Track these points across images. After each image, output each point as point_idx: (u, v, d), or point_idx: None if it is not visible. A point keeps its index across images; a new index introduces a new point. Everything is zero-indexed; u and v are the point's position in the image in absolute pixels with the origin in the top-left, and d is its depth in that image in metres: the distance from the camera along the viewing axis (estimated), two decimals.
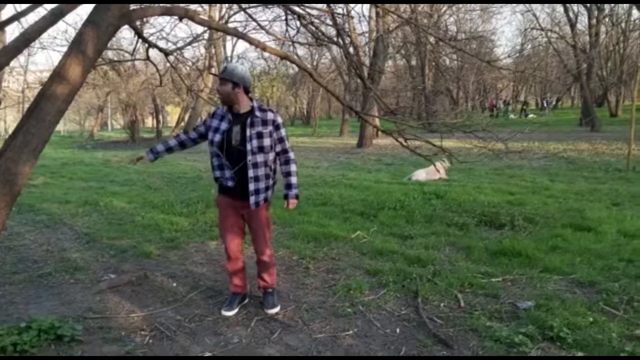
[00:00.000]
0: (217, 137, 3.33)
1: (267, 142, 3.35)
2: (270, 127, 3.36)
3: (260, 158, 3.33)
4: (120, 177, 11.22)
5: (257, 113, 3.35)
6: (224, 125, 3.34)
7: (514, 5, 29.00)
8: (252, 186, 3.32)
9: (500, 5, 28.34)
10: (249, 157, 3.30)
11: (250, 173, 3.31)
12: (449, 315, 3.46)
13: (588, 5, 22.22)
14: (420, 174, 9.85)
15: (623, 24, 28.68)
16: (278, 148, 3.46)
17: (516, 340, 2.99)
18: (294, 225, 5.95)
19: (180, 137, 3.59)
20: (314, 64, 30.64)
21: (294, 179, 3.49)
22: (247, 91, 3.37)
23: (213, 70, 22.50)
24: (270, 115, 3.38)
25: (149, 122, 38.43)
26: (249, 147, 3.29)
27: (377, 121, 14.75)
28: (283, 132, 3.45)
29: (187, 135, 3.57)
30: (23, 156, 2.77)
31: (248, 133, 3.29)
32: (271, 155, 3.41)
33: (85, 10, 2.90)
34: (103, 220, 6.45)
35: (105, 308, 3.62)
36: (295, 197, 3.48)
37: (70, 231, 5.89)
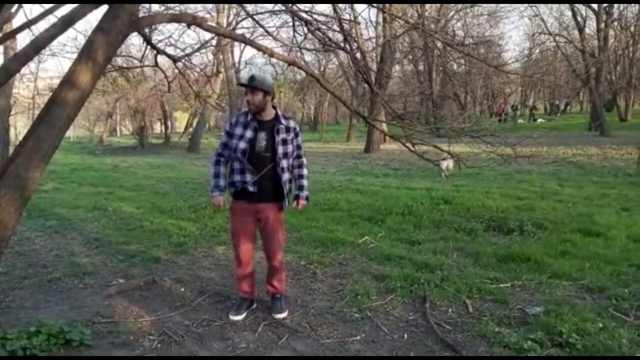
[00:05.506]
0: (243, 145, 3.38)
1: (290, 148, 3.48)
2: (292, 134, 3.49)
3: (284, 163, 3.45)
4: (128, 182, 11.30)
5: (283, 121, 3.46)
6: (249, 133, 3.40)
7: (521, 9, 28.89)
8: (286, 189, 3.47)
9: (508, 9, 28.24)
10: (282, 163, 3.42)
11: (284, 177, 3.45)
12: (457, 321, 3.45)
13: (596, 8, 22.07)
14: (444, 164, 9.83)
15: (632, 28, 28.39)
16: (295, 154, 3.58)
17: (525, 346, 2.97)
18: (302, 230, 5.95)
19: (220, 164, 3.56)
20: (321, 69, 30.55)
21: (305, 182, 3.66)
22: (272, 99, 3.47)
23: (221, 76, 22.62)
24: (292, 124, 3.53)
25: (158, 128, 38.59)
26: (280, 151, 3.41)
27: (384, 126, 14.74)
28: (300, 139, 3.60)
29: (223, 157, 3.54)
30: (33, 162, 2.79)
31: (277, 139, 3.40)
32: (291, 161, 3.54)
33: (95, 17, 2.93)
34: (112, 225, 6.49)
35: (114, 313, 3.64)
36: (305, 198, 3.63)
37: (79, 236, 5.93)
